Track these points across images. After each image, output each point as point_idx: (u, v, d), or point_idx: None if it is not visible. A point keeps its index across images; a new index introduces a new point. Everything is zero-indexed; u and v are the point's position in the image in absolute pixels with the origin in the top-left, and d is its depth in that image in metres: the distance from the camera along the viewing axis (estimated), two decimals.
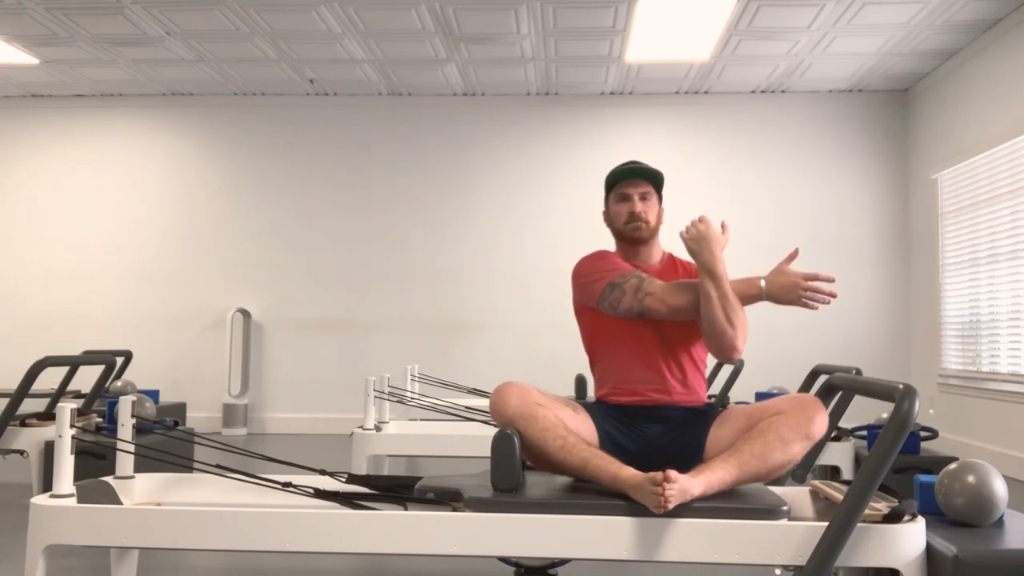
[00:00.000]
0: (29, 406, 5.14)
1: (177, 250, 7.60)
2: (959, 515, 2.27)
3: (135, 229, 7.63)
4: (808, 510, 2.41)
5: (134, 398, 2.65)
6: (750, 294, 2.45)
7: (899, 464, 3.80)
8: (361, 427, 3.92)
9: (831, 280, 2.42)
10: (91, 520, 2.17)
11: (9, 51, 6.43)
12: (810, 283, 2.42)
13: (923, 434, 4.03)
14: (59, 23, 5.89)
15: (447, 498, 2.30)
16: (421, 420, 4.85)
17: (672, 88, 7.32)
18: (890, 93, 7.35)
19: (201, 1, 5.51)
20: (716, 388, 6.04)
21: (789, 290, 2.43)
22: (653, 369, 2.51)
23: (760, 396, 4.31)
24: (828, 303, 2.43)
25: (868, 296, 7.28)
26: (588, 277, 2.57)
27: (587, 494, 2.25)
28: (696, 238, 2.45)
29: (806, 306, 2.43)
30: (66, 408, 2.19)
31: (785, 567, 2.11)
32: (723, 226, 2.50)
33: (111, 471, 3.42)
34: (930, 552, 2.08)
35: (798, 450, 2.27)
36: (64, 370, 6.72)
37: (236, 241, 7.59)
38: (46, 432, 4.17)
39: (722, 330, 2.38)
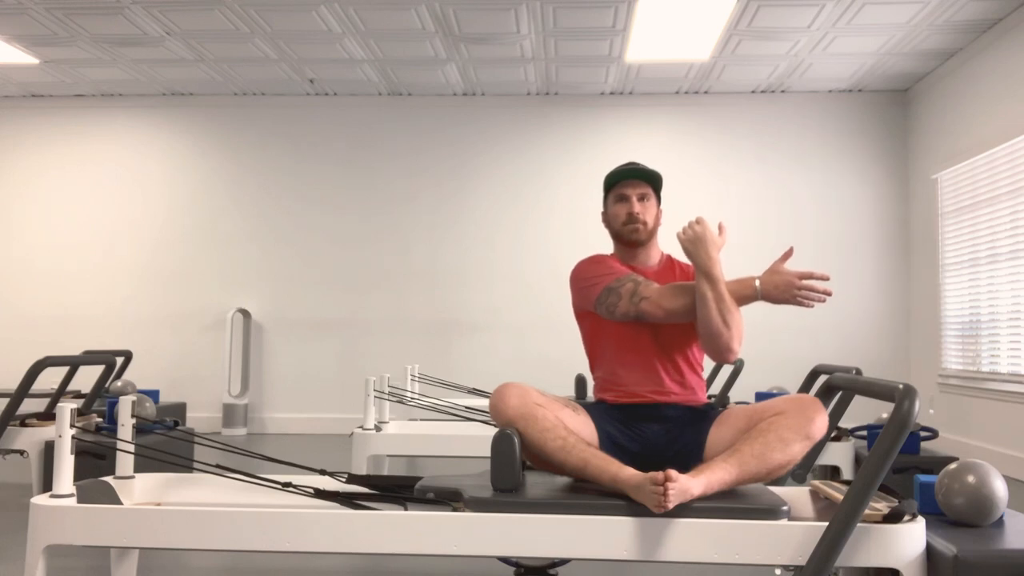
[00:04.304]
0: (29, 406, 5.14)
1: (177, 250, 7.60)
2: (959, 515, 2.27)
3: (135, 229, 7.63)
4: (808, 510, 2.41)
5: (134, 398, 2.65)
6: (745, 294, 2.45)
7: (899, 464, 3.80)
8: (361, 427, 3.92)
9: (826, 278, 2.42)
10: (91, 520, 2.17)
11: (9, 51, 6.43)
12: (805, 282, 2.42)
13: (923, 434, 4.03)
14: (59, 23, 5.89)
15: (447, 498, 2.30)
16: (421, 420, 4.84)
17: (672, 88, 7.32)
18: (890, 93, 7.35)
19: (201, 1, 5.51)
20: (716, 388, 6.04)
21: (784, 289, 2.43)
22: (651, 372, 2.52)
23: (760, 396, 4.31)
24: (824, 301, 2.43)
25: (868, 296, 7.28)
26: (585, 281, 2.58)
27: (587, 494, 2.25)
28: (692, 239, 2.45)
29: (801, 304, 2.43)
30: (66, 408, 2.19)
31: (785, 567, 2.11)
32: (720, 227, 2.50)
33: (111, 471, 3.42)
34: (930, 552, 2.08)
35: (798, 450, 2.27)
36: (64, 370, 6.72)
37: (236, 241, 7.59)
38: (46, 432, 4.17)
39: (718, 332, 2.39)
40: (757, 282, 2.46)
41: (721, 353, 2.42)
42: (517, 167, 7.53)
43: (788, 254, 2.48)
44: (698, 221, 2.47)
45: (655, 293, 2.46)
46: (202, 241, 7.60)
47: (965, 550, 2.02)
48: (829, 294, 2.42)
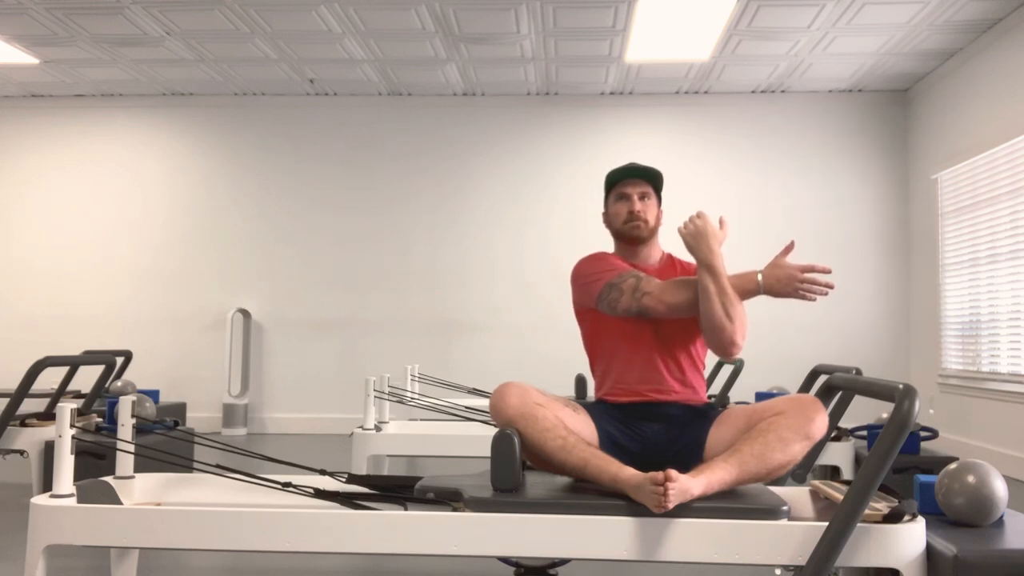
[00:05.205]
0: (29, 406, 5.15)
1: (177, 250, 7.60)
2: (959, 515, 2.27)
3: (135, 229, 7.63)
4: (808, 510, 2.41)
5: (134, 398, 2.65)
6: (747, 289, 2.45)
7: (899, 464, 3.80)
8: (361, 427, 3.92)
9: (827, 271, 2.42)
10: (91, 520, 2.17)
11: (9, 51, 6.43)
12: (807, 275, 2.42)
13: (923, 434, 4.04)
14: (59, 23, 5.89)
15: (447, 498, 2.30)
16: (421, 420, 4.85)
17: (672, 88, 7.32)
18: (890, 93, 7.35)
19: (201, 1, 5.51)
20: (716, 388, 6.04)
21: (786, 283, 2.43)
22: (652, 368, 2.52)
23: (760, 396, 4.31)
24: (826, 294, 2.43)
25: (868, 296, 7.28)
26: (587, 278, 2.58)
27: (587, 494, 2.25)
28: (694, 233, 2.45)
29: (803, 298, 2.43)
30: (66, 408, 2.19)
31: (785, 567, 2.11)
32: (721, 222, 2.51)
33: (111, 471, 3.42)
34: (930, 552, 2.08)
35: (798, 450, 2.26)
36: (64, 370, 6.72)
37: (236, 241, 7.59)
38: (46, 432, 4.17)
39: (721, 325, 2.38)
40: (759, 276, 2.46)
41: (725, 347, 2.41)
42: (517, 167, 7.53)
43: (789, 248, 2.48)
44: (699, 215, 2.47)
45: (657, 288, 2.46)
46: (202, 241, 7.60)
47: (965, 550, 2.01)
48: (831, 287, 2.41)
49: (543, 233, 7.47)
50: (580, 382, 4.99)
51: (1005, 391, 5.66)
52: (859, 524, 2.03)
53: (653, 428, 2.48)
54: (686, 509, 2.11)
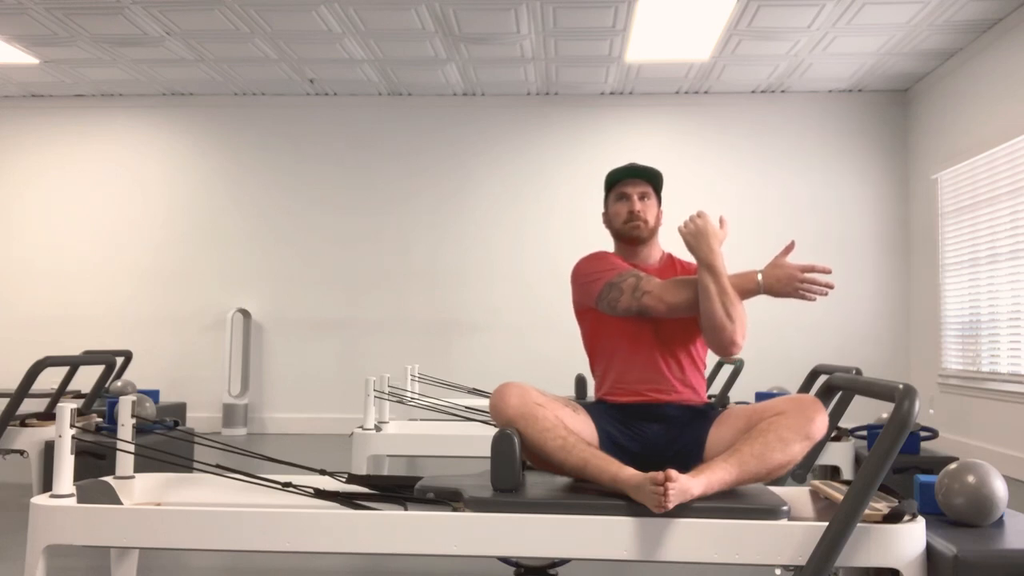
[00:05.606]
0: (29, 406, 5.14)
1: (177, 250, 7.60)
2: (959, 515, 2.27)
3: (135, 229, 7.63)
4: (808, 510, 2.41)
5: (134, 398, 2.65)
6: (748, 288, 2.45)
7: (899, 464, 3.80)
8: (361, 427, 3.92)
9: (827, 271, 2.42)
10: (91, 520, 2.17)
11: (9, 51, 6.43)
12: (807, 275, 2.42)
13: (923, 434, 4.04)
14: (59, 23, 5.89)
15: (447, 498, 2.30)
16: (421, 420, 4.85)
17: (672, 88, 7.32)
18: (890, 93, 7.35)
19: (201, 1, 5.51)
20: (716, 388, 6.04)
21: (786, 283, 2.43)
22: (652, 368, 2.52)
23: (760, 396, 4.31)
24: (826, 294, 2.43)
25: (868, 296, 7.28)
26: (587, 277, 2.58)
27: (587, 494, 2.25)
28: (694, 232, 2.45)
29: (804, 298, 2.43)
30: (66, 408, 2.19)
31: (785, 567, 2.11)
32: (721, 221, 2.51)
33: (111, 471, 3.42)
34: (930, 552, 2.08)
35: (798, 450, 2.26)
36: (64, 370, 6.72)
37: (236, 241, 7.59)
38: (46, 432, 4.17)
39: (721, 324, 2.38)
40: (759, 275, 2.46)
41: (724, 346, 2.41)
42: (517, 167, 7.53)
43: (790, 248, 2.48)
44: (699, 215, 2.47)
45: (657, 287, 2.46)
46: (202, 241, 7.60)
47: (965, 550, 2.02)
48: (831, 287, 2.41)
49: (543, 233, 7.47)
50: (580, 382, 4.99)
51: (1005, 391, 5.66)
52: (859, 524, 2.03)
53: (653, 428, 2.48)
54: (686, 509, 2.11)
